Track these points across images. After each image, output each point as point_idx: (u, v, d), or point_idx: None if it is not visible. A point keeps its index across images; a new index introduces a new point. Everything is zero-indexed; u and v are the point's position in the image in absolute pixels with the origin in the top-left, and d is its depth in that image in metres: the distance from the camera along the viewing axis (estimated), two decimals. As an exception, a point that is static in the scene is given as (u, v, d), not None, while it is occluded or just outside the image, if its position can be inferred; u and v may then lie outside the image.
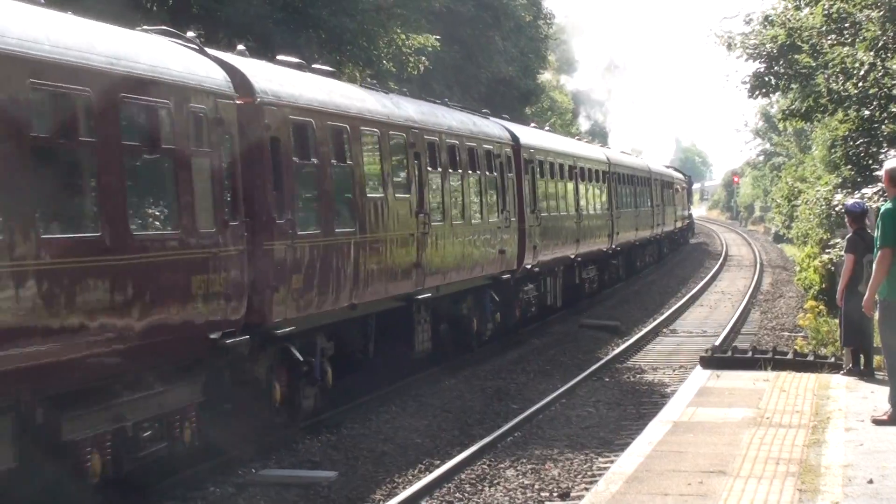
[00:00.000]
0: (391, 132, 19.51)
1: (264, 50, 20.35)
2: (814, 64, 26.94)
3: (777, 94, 33.41)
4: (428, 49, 33.65)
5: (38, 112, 10.92)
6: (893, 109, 24.06)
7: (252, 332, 14.43)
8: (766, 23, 30.60)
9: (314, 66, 19.41)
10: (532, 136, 30.53)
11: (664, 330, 30.95)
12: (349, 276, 17.20)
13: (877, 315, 13.38)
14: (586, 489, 13.18)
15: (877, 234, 12.97)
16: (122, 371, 12.12)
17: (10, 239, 10.23)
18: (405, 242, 19.63)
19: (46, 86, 10.99)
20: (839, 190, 30.61)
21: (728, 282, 48.07)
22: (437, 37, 34.62)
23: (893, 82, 23.44)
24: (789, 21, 28.39)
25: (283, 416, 16.03)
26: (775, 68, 30.08)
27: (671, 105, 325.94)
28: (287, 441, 16.07)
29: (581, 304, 34.89)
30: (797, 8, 28.35)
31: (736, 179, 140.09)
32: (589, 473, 14.71)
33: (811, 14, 26.89)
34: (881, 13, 23.54)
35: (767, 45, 29.61)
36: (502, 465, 15.15)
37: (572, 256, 32.19)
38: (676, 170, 75.27)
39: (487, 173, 24.62)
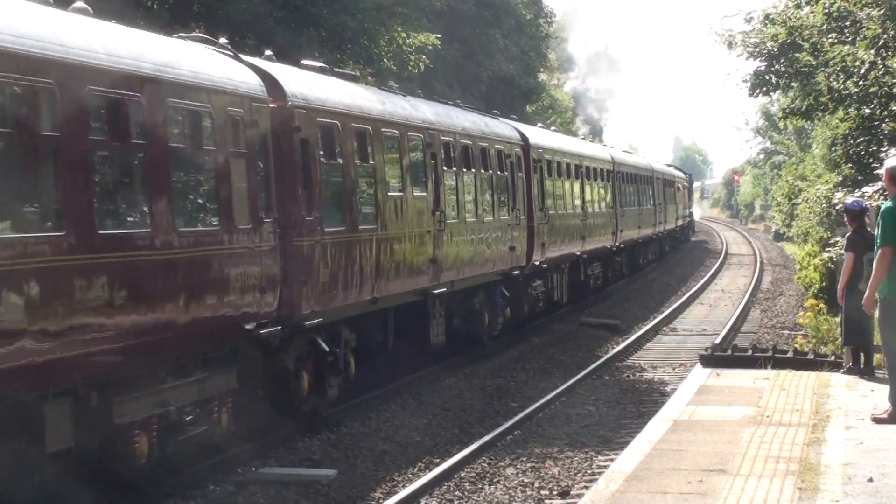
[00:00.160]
0: (410, 133, 20.26)
1: (265, 49, 20.34)
2: (814, 62, 26.91)
3: (777, 92, 33.37)
4: (428, 48, 33.64)
5: (96, 115, 11.70)
6: (894, 108, 24.04)
7: (283, 324, 15.22)
8: (766, 21, 30.56)
9: (336, 70, 20.08)
10: (540, 136, 31.24)
11: (664, 328, 30.95)
12: (371, 271, 18.00)
13: (877, 313, 13.38)
14: (586, 487, 13.18)
15: (877, 232, 12.96)
16: (169, 359, 12.96)
17: (70, 237, 10.94)
18: (422, 239, 20.40)
19: (103, 91, 11.73)
20: (839, 188, 30.56)
21: (728, 280, 48.08)
22: (438, 35, 34.61)
23: (894, 81, 23.42)
24: (790, 19, 28.37)
25: (310, 405, 16.67)
26: (776, 67, 30.06)
27: (672, 103, 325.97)
28: (286, 439, 16.08)
29: (586, 300, 35.43)
30: (798, 6, 28.33)
31: (736, 178, 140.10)
32: (589, 472, 14.71)
33: (812, 12, 26.89)
34: (882, 11, 23.52)
35: (768, 44, 29.60)
36: (502, 464, 15.15)
37: (578, 253, 32.90)
38: (677, 168, 75.43)
39: (499, 172, 25.38)
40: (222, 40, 16.15)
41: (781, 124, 43.69)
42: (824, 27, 25.79)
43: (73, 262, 11.02)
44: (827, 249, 31.15)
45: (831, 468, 10.86)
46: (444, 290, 21.51)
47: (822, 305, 28.64)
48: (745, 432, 12.60)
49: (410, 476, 14.57)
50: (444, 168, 21.92)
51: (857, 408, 13.83)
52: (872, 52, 23.61)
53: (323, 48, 28.12)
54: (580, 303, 34.55)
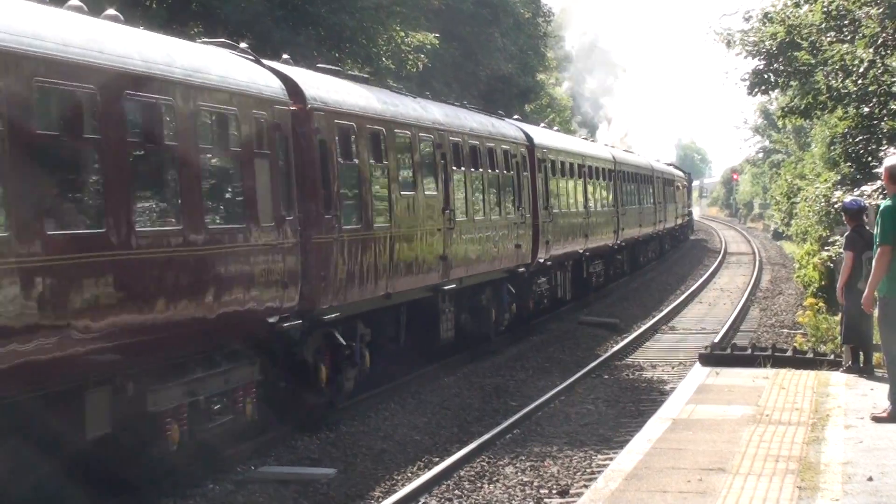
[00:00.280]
0: (421, 134, 20.91)
1: (263, 48, 20.35)
2: (813, 61, 26.89)
3: (776, 91, 33.34)
4: (427, 47, 33.62)
5: (133, 119, 12.36)
6: (893, 106, 24.03)
7: (303, 318, 15.81)
8: (765, 20, 30.52)
9: (349, 73, 20.71)
10: (545, 136, 31.95)
11: (663, 327, 30.94)
12: (385, 268, 18.66)
13: (876, 312, 13.37)
14: (585, 486, 13.17)
15: (876, 231, 12.95)
16: (199, 350, 13.62)
17: (111, 234, 11.64)
18: (433, 237, 21.05)
19: (139, 96, 12.42)
20: (838, 187, 30.56)
21: (727, 278, 48.09)
22: (437, 35, 34.59)
23: (893, 79, 23.41)
24: (788, 18, 28.33)
25: (328, 396, 17.24)
26: (774, 65, 30.02)
27: (670, 102, 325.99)
28: (285, 438, 16.08)
29: (588, 297, 36.04)
30: (796, 5, 28.30)
31: (735, 177, 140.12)
32: (588, 471, 14.70)
33: (810, 11, 26.87)
34: (880, 10, 23.51)
35: (767, 43, 29.56)
36: (501, 463, 15.15)
37: (581, 251, 33.54)
38: (677, 167, 75.57)
39: (505, 172, 26.09)
40: (243, 45, 16.76)
41: (780, 123, 43.56)
42: (823, 26, 25.78)
43: (112, 258, 11.66)
44: (826, 248, 31.17)
45: (831, 467, 10.85)
46: (453, 286, 22.12)
47: (821, 304, 28.59)
48: (744, 431, 12.59)
49: (410, 475, 14.57)
50: (454, 167, 22.50)
51: (857, 406, 13.83)
52: (871, 50, 23.60)
53: (321, 47, 28.12)
54: (583, 300, 35.09)
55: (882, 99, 24.39)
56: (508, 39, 50.39)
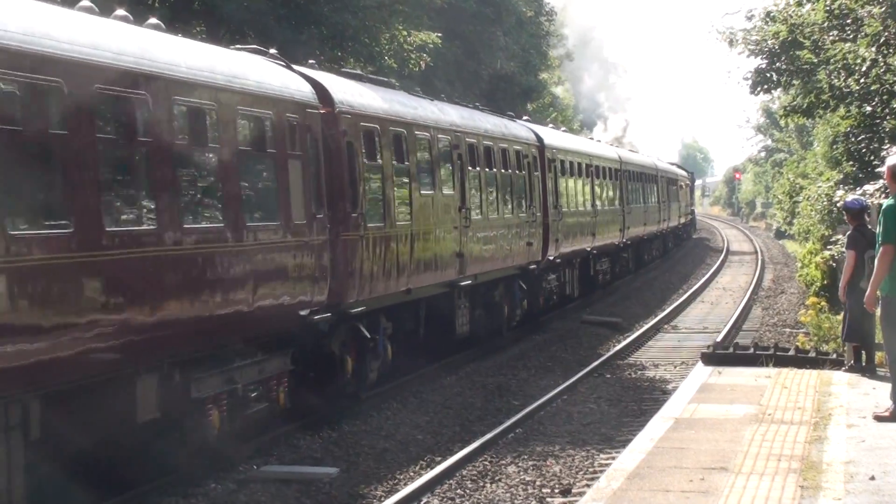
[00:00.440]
0: (439, 135, 21.70)
1: (265, 47, 20.35)
2: (815, 60, 26.89)
3: (779, 90, 33.35)
4: (429, 46, 33.61)
5: (180, 122, 13.13)
6: (895, 105, 24.03)
7: (332, 311, 16.60)
8: (767, 19, 30.54)
9: (370, 76, 21.41)
10: (554, 137, 32.95)
11: (665, 326, 30.94)
12: (405, 264, 19.47)
13: (878, 311, 13.36)
14: (588, 485, 13.17)
15: (878, 230, 12.94)
16: (238, 340, 14.38)
17: (161, 231, 12.41)
18: (450, 234, 21.85)
19: (186, 101, 13.21)
20: (841, 186, 30.54)
21: (730, 278, 48.07)
22: (439, 34, 34.56)
23: (895, 78, 23.41)
24: (791, 17, 28.34)
25: (353, 387, 18.01)
26: (777, 64, 30.04)
27: (673, 101, 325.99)
28: (287, 437, 16.09)
29: (595, 294, 36.86)
30: (799, 4, 28.30)
31: (737, 176, 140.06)
32: (590, 470, 14.70)
33: (813, 10, 26.87)
34: (883, 9, 23.50)
35: (769, 42, 29.57)
36: (503, 462, 15.15)
37: (588, 249, 34.48)
38: (680, 167, 75.71)
39: (517, 172, 26.88)
40: (272, 51, 17.48)
41: (783, 122, 43.60)
42: (825, 25, 25.77)
43: (164, 253, 12.50)
44: (828, 247, 31.16)
45: (833, 466, 10.85)
46: (469, 282, 22.89)
47: (823, 303, 28.56)
48: (746, 430, 12.59)
49: (412, 474, 14.57)
50: (469, 167, 23.27)
51: (859, 406, 13.82)
52: (873, 49, 23.60)
53: (324, 46, 28.09)
54: (590, 297, 35.85)
55: (884, 98, 24.40)
56: (511, 38, 50.32)
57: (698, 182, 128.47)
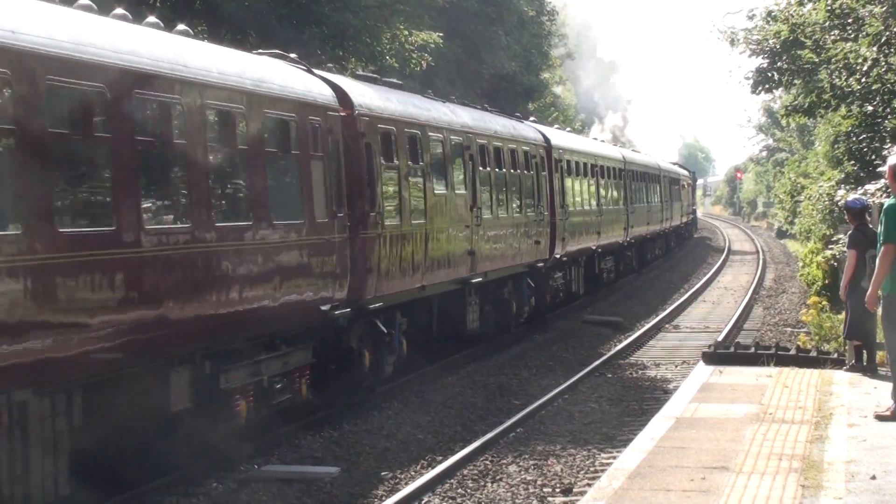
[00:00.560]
0: (451, 137, 22.37)
1: (267, 46, 20.36)
2: (817, 59, 26.89)
3: (780, 89, 33.37)
4: (431, 46, 33.59)
5: (211, 125, 13.70)
6: (896, 105, 24.04)
7: (351, 307, 17.20)
8: (768, 18, 30.56)
9: (385, 79, 21.86)
10: (561, 138, 33.59)
11: (667, 325, 30.94)
12: (420, 262, 20.10)
13: (880, 311, 13.35)
14: (589, 485, 13.16)
15: (880, 229, 12.94)
16: (264, 334, 15.02)
17: (195, 229, 12.99)
18: (462, 233, 22.49)
19: (216, 105, 13.79)
20: (842, 186, 30.52)
21: (731, 277, 48.07)
22: (441, 34, 34.55)
23: (896, 78, 23.42)
24: (792, 17, 28.35)
25: (370, 380, 18.65)
26: (778, 64, 30.07)
27: (674, 100, 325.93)
28: (289, 437, 16.09)
29: (600, 292, 37.51)
30: (800, 3, 28.31)
31: (739, 175, 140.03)
32: (591, 469, 14.70)
33: (814, 10, 26.88)
34: (884, 9, 23.51)
35: (770, 41, 29.60)
36: (504, 461, 15.14)
37: (594, 247, 35.18)
38: (681, 166, 75.87)
39: (526, 171, 27.56)
40: (292, 55, 17.93)
41: (784, 121, 43.61)
42: (827, 24, 25.78)
43: (195, 250, 13.06)
44: (830, 247, 31.15)
45: (834, 465, 10.84)
46: (479, 279, 23.50)
47: (824, 303, 28.53)
48: (747, 430, 12.58)
49: (413, 474, 14.57)
50: (480, 168, 23.91)
51: (860, 405, 13.82)
52: (875, 49, 23.60)
53: (325, 45, 28.08)
54: (594, 295, 36.41)
55: (886, 97, 24.41)
56: (512, 38, 50.31)
57: (700, 182, 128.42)
